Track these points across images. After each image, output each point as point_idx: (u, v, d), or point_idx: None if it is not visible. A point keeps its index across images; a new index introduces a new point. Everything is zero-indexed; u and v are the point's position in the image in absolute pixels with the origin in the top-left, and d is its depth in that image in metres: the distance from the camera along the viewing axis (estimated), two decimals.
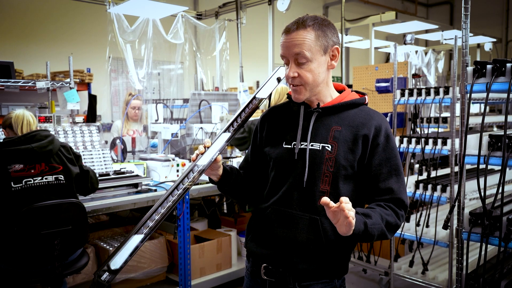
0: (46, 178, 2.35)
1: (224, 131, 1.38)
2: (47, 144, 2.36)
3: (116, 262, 1.21)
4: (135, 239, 1.23)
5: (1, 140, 2.37)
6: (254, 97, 1.41)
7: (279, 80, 1.42)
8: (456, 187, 2.97)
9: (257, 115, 3.19)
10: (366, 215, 1.27)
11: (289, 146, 1.43)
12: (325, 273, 1.41)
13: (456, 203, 2.15)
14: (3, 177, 2.25)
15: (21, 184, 2.28)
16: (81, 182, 2.55)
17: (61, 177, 2.40)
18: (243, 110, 1.40)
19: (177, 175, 3.40)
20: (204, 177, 1.50)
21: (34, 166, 2.33)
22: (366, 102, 1.47)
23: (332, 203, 1.17)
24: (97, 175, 2.71)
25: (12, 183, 2.26)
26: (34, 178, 2.32)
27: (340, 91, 1.50)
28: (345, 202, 1.15)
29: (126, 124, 4.38)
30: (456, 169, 3.02)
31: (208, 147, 1.35)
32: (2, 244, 2.32)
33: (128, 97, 4.46)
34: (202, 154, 1.35)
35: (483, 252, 1.97)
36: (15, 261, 2.31)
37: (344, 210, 1.14)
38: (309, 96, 1.41)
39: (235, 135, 1.40)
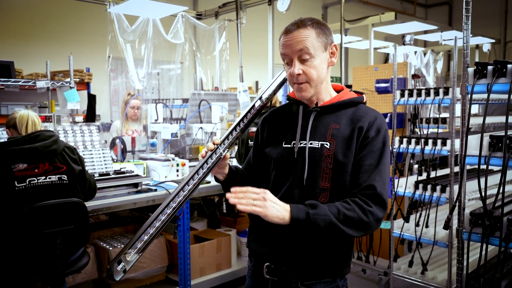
0: (49, 178, 2.34)
1: (232, 129, 1.40)
2: (51, 144, 2.36)
3: (132, 254, 1.21)
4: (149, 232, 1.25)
5: (5, 140, 2.37)
6: (260, 98, 1.44)
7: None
8: (455, 187, 2.98)
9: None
10: (312, 205, 1.28)
11: (289, 146, 1.44)
12: (328, 272, 1.41)
13: (457, 204, 2.16)
14: (7, 177, 2.25)
15: (24, 184, 2.27)
16: (81, 183, 2.53)
17: (64, 177, 2.39)
18: (249, 111, 1.43)
19: (177, 175, 3.40)
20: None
21: (38, 166, 2.32)
22: (364, 101, 1.49)
23: (234, 201, 1.22)
24: (96, 183, 2.69)
25: (16, 182, 2.25)
26: (38, 178, 2.31)
27: (338, 91, 1.51)
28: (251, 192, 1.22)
29: (126, 124, 4.38)
30: (456, 169, 3.03)
31: (217, 144, 1.37)
32: (4, 244, 2.32)
33: (127, 97, 4.46)
34: (211, 150, 1.36)
35: (483, 252, 1.97)
36: (17, 261, 2.31)
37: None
38: (313, 93, 1.42)
39: (243, 133, 1.42)
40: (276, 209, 1.24)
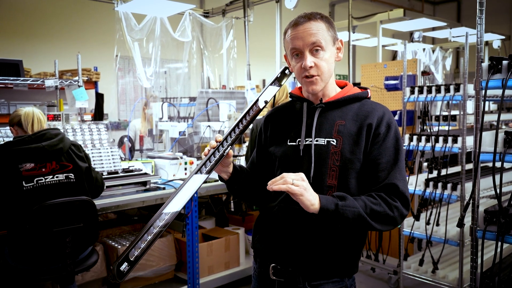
0: (57, 177, 2.34)
1: (235, 127, 1.38)
2: (57, 143, 2.35)
3: (134, 253, 1.18)
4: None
5: (11, 139, 2.36)
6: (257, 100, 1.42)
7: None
8: (466, 185, 2.94)
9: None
10: (340, 197, 1.26)
11: (294, 143, 1.42)
12: (336, 272, 1.39)
13: (471, 201, 2.12)
14: (14, 177, 2.24)
15: (32, 183, 2.26)
16: (88, 181, 2.52)
17: (71, 175, 2.39)
18: (251, 107, 1.41)
19: (185, 173, 3.40)
20: (212, 175, 1.48)
21: (45, 165, 2.31)
22: (369, 96, 1.47)
23: (272, 186, 1.21)
24: (103, 180, 2.67)
25: (23, 182, 2.24)
26: (45, 177, 2.30)
27: (341, 87, 1.50)
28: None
29: (145, 124, 4.39)
30: (467, 167, 2.99)
31: (219, 142, 1.34)
32: (14, 242, 2.32)
33: (149, 98, 4.47)
34: (214, 148, 1.33)
35: (498, 250, 1.94)
36: (27, 259, 2.30)
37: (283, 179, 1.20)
38: (323, 87, 1.40)
39: (241, 135, 1.39)
40: (310, 193, 1.23)
